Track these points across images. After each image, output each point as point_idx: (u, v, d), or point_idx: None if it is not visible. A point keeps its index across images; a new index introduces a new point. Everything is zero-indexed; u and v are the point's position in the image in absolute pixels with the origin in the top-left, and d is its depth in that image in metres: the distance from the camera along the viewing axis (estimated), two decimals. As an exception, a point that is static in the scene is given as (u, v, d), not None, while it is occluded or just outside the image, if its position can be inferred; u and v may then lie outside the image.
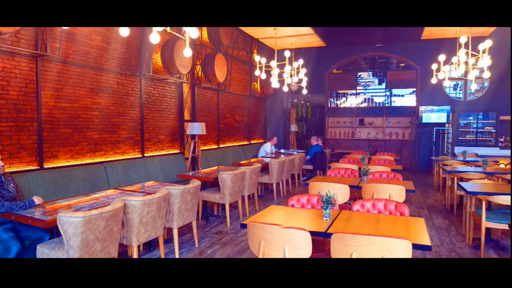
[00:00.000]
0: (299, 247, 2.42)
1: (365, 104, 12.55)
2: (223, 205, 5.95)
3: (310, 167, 9.11)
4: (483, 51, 6.28)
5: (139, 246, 4.26)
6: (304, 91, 8.43)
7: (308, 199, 3.53)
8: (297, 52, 10.21)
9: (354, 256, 2.24)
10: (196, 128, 6.82)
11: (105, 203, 3.46)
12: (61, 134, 4.79)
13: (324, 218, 2.89)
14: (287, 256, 2.44)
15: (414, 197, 7.41)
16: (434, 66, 7.29)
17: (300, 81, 8.35)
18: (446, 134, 10.91)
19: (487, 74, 6.70)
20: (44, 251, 3.01)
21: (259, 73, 7.51)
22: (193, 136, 7.34)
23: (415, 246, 2.25)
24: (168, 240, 4.50)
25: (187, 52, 3.68)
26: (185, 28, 3.52)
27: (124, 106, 5.85)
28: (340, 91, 12.85)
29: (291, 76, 8.00)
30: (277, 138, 9.80)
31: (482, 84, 10.86)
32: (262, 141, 11.47)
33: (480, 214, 4.01)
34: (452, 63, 7.28)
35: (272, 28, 8.41)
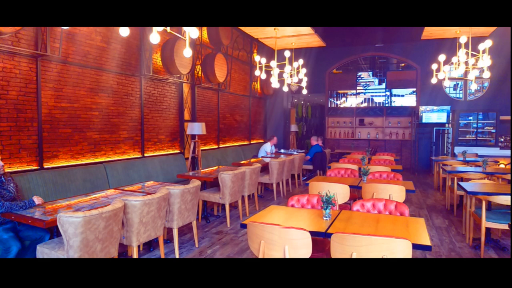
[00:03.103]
0: (299, 247, 2.42)
1: (365, 104, 12.54)
2: (223, 205, 5.95)
3: (310, 167, 9.11)
4: (483, 51, 6.28)
5: (139, 246, 4.26)
6: (304, 91, 8.43)
7: (308, 199, 3.53)
8: (297, 52, 10.21)
9: (354, 256, 2.24)
10: (196, 128, 6.82)
11: (105, 203, 3.46)
12: (61, 134, 4.79)
13: (324, 218, 2.89)
14: (287, 256, 2.44)
15: (414, 197, 7.41)
16: (434, 66, 7.28)
17: (300, 81, 8.35)
18: (446, 134, 10.90)
19: (487, 74, 6.70)
20: (44, 251, 3.02)
21: (259, 73, 7.51)
22: (193, 136, 7.34)
23: (415, 246, 2.25)
24: (168, 240, 4.50)
25: (187, 52, 3.68)
26: (185, 28, 3.52)
27: (124, 106, 5.85)
28: (340, 91, 12.85)
29: (291, 76, 8.00)
30: (277, 138, 9.80)
31: (482, 84, 10.85)
32: (262, 141, 11.47)
33: (480, 214, 4.01)
34: (452, 63, 7.27)
35: (272, 28, 8.41)
